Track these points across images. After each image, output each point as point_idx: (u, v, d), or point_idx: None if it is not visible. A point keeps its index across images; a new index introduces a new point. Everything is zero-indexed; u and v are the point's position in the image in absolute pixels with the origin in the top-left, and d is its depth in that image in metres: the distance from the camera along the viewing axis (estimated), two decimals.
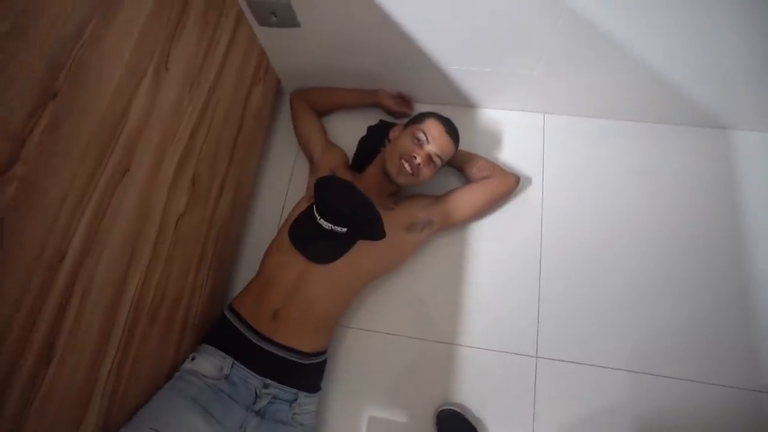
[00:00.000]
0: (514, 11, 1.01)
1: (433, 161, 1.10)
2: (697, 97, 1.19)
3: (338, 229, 1.02)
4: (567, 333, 1.14)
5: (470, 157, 1.25)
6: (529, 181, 1.29)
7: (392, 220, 1.09)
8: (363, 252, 1.05)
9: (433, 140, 1.09)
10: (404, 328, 1.17)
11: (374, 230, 1.05)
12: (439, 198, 1.18)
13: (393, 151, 1.11)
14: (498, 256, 1.22)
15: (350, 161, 1.30)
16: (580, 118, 1.33)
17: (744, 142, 1.28)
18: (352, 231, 1.03)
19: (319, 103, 1.35)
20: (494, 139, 1.35)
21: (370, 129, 1.31)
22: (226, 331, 1.01)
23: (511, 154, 1.32)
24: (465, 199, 1.18)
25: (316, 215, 1.03)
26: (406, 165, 1.08)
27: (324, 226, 1.02)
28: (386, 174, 1.11)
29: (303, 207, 1.12)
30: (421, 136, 1.09)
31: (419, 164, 1.08)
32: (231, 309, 1.04)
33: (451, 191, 1.20)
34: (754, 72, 1.08)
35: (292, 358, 0.99)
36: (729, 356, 1.10)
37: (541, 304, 1.16)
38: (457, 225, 1.21)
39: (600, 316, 1.15)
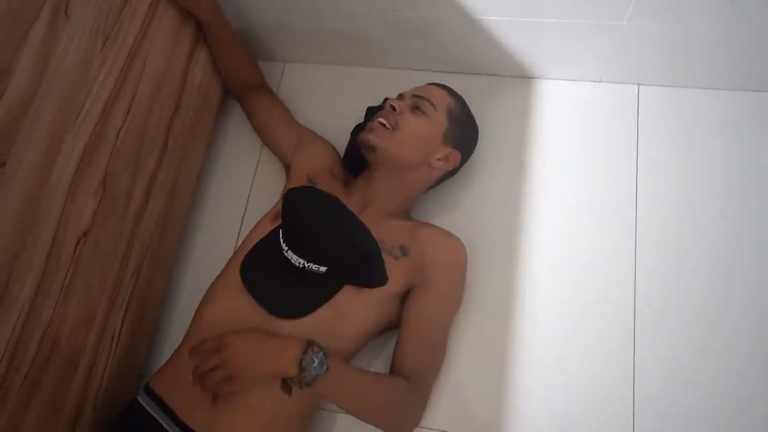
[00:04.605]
0: None
1: (418, 107, 1.16)
2: None
3: (314, 267, 0.99)
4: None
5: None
6: (616, 192, 1.27)
7: (397, 264, 1.07)
8: (349, 303, 1.03)
9: (411, 89, 1.21)
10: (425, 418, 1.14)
11: (370, 270, 1.02)
12: (431, 288, 1.09)
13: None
14: (568, 313, 1.20)
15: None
16: (696, 90, 1.32)
17: None
18: (337, 269, 1.00)
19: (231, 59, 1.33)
20: (562, 125, 1.34)
21: (370, 111, 1.30)
22: (138, 426, 0.99)
23: (588, 146, 1.31)
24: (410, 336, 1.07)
25: (283, 244, 1.01)
26: (379, 119, 1.15)
27: (293, 261, 1.00)
28: (361, 148, 1.15)
29: (266, 229, 1.11)
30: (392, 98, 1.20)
31: (392, 107, 1.15)
32: (148, 391, 1.02)
33: (429, 313, 1.09)
34: None
35: None
36: None
37: (637, 391, 1.14)
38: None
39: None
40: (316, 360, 0.88)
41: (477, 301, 1.20)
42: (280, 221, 1.07)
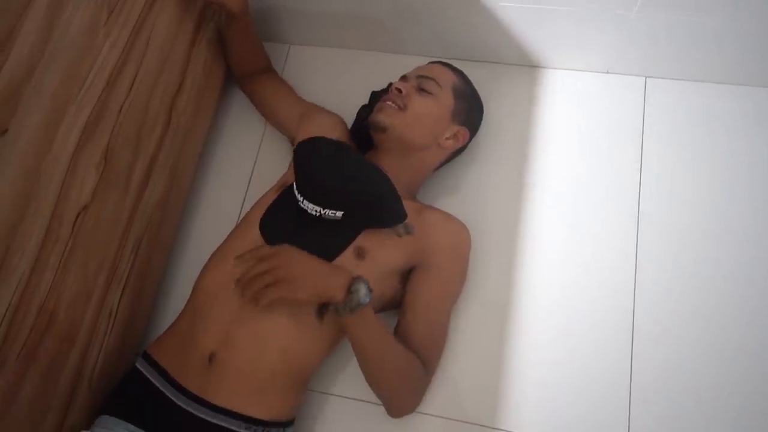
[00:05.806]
0: None
1: (424, 87, 1.16)
2: None
3: (330, 213, 1.00)
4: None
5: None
6: (620, 185, 1.27)
7: (400, 242, 1.07)
8: (372, 246, 1.03)
9: (414, 70, 1.22)
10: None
11: (386, 208, 1.03)
12: (433, 271, 1.09)
13: None
14: (567, 305, 1.19)
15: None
16: (704, 84, 1.32)
17: None
18: (353, 212, 1.01)
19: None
20: (568, 115, 1.34)
21: (375, 96, 1.29)
22: (136, 391, 1.00)
23: (593, 138, 1.31)
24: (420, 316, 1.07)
25: (298, 195, 1.03)
26: (387, 101, 1.16)
27: (309, 210, 1.01)
28: (371, 128, 1.16)
29: (272, 198, 1.11)
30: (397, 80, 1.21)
31: (398, 89, 1.15)
32: (146, 358, 1.03)
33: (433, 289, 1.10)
34: None
35: (237, 429, 0.96)
36: None
37: (634, 381, 1.14)
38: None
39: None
40: (362, 289, 0.91)
41: (476, 290, 1.20)
42: (286, 186, 1.08)
